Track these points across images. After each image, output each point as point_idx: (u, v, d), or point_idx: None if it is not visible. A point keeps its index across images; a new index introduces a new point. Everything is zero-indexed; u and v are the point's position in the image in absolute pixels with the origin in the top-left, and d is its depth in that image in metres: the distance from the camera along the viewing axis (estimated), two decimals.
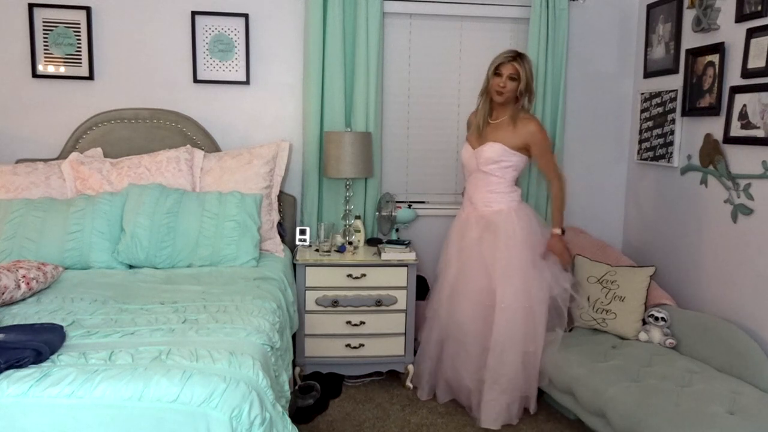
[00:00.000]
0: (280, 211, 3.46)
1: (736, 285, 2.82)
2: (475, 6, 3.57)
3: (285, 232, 3.42)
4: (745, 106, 2.72)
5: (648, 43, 3.55)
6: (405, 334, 3.24)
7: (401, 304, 3.21)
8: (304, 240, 3.41)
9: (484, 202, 2.96)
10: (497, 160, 2.88)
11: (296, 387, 3.08)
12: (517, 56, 2.84)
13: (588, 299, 3.16)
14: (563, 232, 2.97)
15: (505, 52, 2.88)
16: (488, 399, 2.83)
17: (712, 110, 2.95)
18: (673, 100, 3.27)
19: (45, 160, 3.25)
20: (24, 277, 2.33)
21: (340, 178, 3.37)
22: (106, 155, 3.28)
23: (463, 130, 3.33)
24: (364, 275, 3.18)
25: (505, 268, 2.83)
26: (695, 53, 3.09)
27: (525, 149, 2.91)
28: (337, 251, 3.26)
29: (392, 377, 3.36)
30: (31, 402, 1.60)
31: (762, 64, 2.61)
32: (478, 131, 2.96)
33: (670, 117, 3.30)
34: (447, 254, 3.08)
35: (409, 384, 3.24)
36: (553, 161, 2.98)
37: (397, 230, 3.49)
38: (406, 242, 3.31)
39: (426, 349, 3.13)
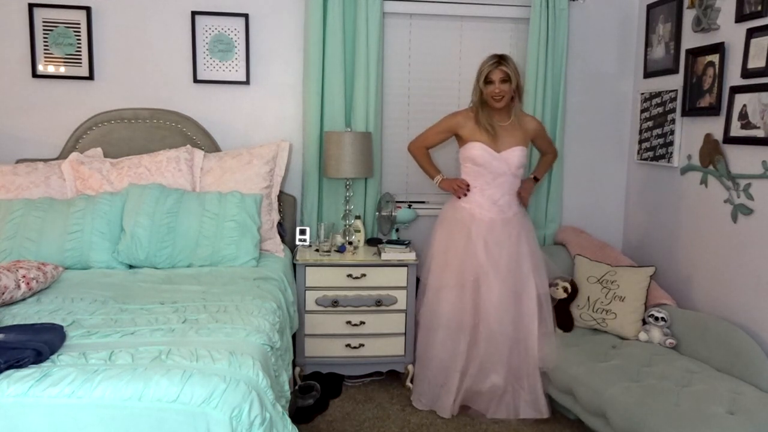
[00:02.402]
0: (280, 211, 3.46)
1: (736, 285, 2.82)
2: (475, 6, 3.57)
3: (285, 232, 3.42)
4: (745, 106, 2.72)
5: (648, 43, 3.55)
6: (405, 334, 3.24)
7: (401, 304, 3.22)
8: (304, 240, 3.41)
9: (510, 204, 3.04)
10: (524, 164, 3.06)
11: (296, 387, 3.08)
12: (501, 59, 2.91)
13: (588, 299, 3.16)
14: (536, 180, 3.28)
15: (487, 59, 2.94)
16: (537, 387, 2.92)
17: (712, 110, 2.95)
18: (673, 100, 3.27)
19: (45, 160, 3.25)
20: (24, 277, 2.33)
21: (340, 178, 3.38)
22: (106, 155, 3.28)
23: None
24: (364, 275, 3.18)
25: (532, 260, 3.00)
26: (695, 53, 3.09)
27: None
28: (337, 251, 3.26)
29: (392, 377, 3.36)
30: (31, 402, 1.60)
31: (762, 64, 2.61)
32: (489, 134, 2.96)
33: (670, 117, 3.30)
34: (475, 260, 2.93)
35: (409, 384, 3.23)
36: (551, 140, 3.40)
37: (397, 230, 3.49)
38: (406, 242, 3.31)
39: (449, 365, 2.96)
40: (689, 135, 3.18)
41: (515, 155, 2.98)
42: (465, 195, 3.03)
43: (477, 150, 2.96)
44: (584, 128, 3.76)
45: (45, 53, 3.34)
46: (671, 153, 3.29)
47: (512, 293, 2.95)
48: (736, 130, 2.78)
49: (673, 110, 3.27)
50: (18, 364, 1.68)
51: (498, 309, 2.91)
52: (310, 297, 3.17)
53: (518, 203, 3.10)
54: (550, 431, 2.86)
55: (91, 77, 3.38)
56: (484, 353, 2.92)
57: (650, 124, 3.49)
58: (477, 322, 2.94)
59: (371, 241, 3.48)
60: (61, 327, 1.93)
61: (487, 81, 2.91)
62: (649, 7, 3.52)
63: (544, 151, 3.29)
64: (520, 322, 2.95)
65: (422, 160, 3.20)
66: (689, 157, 3.17)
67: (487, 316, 2.92)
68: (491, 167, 2.97)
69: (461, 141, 3.06)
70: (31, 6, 3.29)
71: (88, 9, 3.33)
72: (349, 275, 3.17)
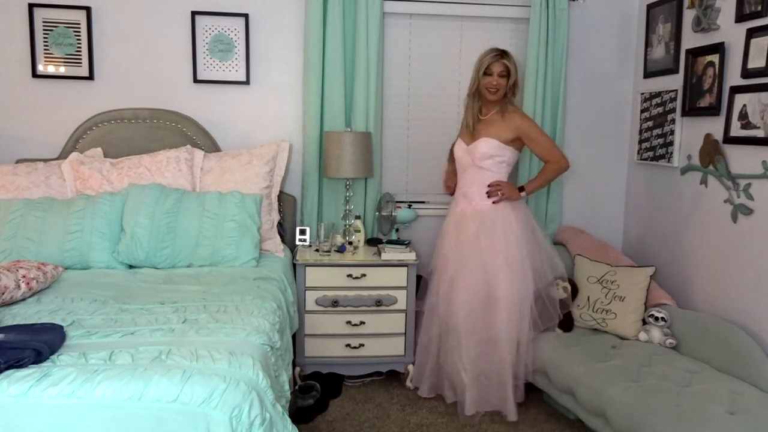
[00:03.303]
0: (280, 211, 3.46)
1: (736, 285, 2.82)
2: (475, 6, 3.57)
3: (285, 232, 3.42)
4: (745, 106, 2.72)
5: (648, 43, 3.55)
6: (405, 334, 3.24)
7: (401, 304, 3.22)
8: (304, 240, 3.41)
9: (481, 196, 2.99)
10: (492, 155, 2.96)
11: (296, 387, 3.08)
12: (503, 53, 2.93)
13: (588, 299, 3.16)
14: (522, 189, 3.01)
15: (489, 51, 2.94)
16: (507, 391, 2.91)
17: (712, 110, 2.95)
18: (673, 100, 3.27)
19: (45, 160, 3.25)
20: (24, 277, 2.33)
21: (340, 178, 3.38)
22: (106, 155, 3.28)
23: None
24: (364, 275, 3.18)
25: (505, 259, 2.90)
26: (695, 53, 3.09)
27: (516, 142, 3.01)
28: (337, 251, 3.26)
29: (392, 377, 3.36)
30: (31, 402, 1.60)
31: (762, 64, 2.61)
32: (469, 128, 3.03)
33: (670, 117, 3.30)
34: (443, 249, 3.09)
35: (409, 384, 3.23)
36: (553, 145, 3.02)
37: (397, 230, 3.49)
38: (406, 242, 3.31)
39: (427, 345, 3.12)
40: (689, 135, 3.18)
41: (479, 146, 2.96)
42: (450, 191, 3.22)
43: (455, 147, 3.11)
44: (584, 128, 3.76)
45: (45, 53, 3.34)
46: (671, 153, 3.29)
47: (473, 290, 2.89)
48: (736, 130, 2.78)
49: (673, 110, 3.27)
50: (18, 364, 1.68)
51: (450, 301, 2.95)
52: (310, 297, 3.17)
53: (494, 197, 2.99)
54: (550, 431, 2.86)
55: (91, 77, 3.38)
56: (451, 342, 2.98)
57: (650, 124, 3.49)
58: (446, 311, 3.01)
59: (371, 241, 3.48)
60: (61, 327, 1.93)
61: (487, 73, 2.92)
62: (649, 7, 3.52)
63: (542, 159, 3.04)
64: (487, 324, 2.89)
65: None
66: (689, 157, 3.17)
67: (440, 305, 3.00)
68: (460, 160, 3.08)
69: None
70: (31, 6, 3.29)
71: (88, 9, 3.33)
72: (349, 275, 3.17)
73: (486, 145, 2.95)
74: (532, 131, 2.97)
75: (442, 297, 3.01)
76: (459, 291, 2.93)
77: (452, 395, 3.04)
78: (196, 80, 3.44)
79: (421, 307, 3.21)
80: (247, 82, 3.48)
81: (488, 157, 2.96)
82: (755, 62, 2.66)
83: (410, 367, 3.25)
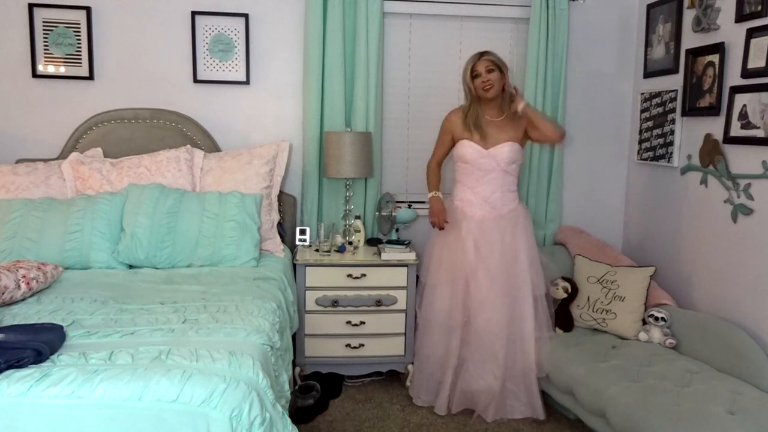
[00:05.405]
0: (280, 211, 3.46)
1: (736, 285, 2.82)
2: (475, 6, 3.57)
3: (285, 232, 3.42)
4: (745, 106, 2.72)
5: (648, 43, 3.55)
6: (405, 334, 3.24)
7: (401, 304, 3.22)
8: (304, 240, 3.41)
9: (504, 201, 3.01)
10: (516, 159, 3.00)
11: (296, 387, 3.08)
12: (483, 53, 2.94)
13: (588, 299, 3.16)
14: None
15: (471, 58, 2.95)
16: (533, 389, 2.94)
17: (712, 110, 2.95)
18: (673, 100, 3.27)
19: (45, 160, 3.26)
20: (24, 277, 2.33)
21: (340, 178, 3.38)
22: (106, 155, 3.28)
23: None
24: (364, 275, 3.18)
25: (531, 260, 2.96)
26: (695, 53, 3.09)
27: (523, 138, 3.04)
28: (337, 251, 3.26)
29: (392, 377, 3.36)
30: (31, 402, 1.60)
31: (762, 64, 2.61)
32: (480, 131, 2.97)
33: (670, 117, 3.30)
34: (465, 259, 2.95)
35: (409, 384, 3.23)
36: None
37: (397, 230, 3.49)
38: (406, 242, 3.31)
39: (444, 360, 3.00)
40: (689, 135, 3.18)
41: (503, 151, 2.95)
42: (441, 228, 3.03)
43: (465, 148, 3.00)
44: (584, 128, 3.76)
45: (45, 53, 3.34)
46: (671, 153, 3.29)
47: (504, 293, 2.92)
48: (736, 130, 2.78)
49: (673, 110, 3.28)
50: (18, 364, 1.68)
51: (486, 308, 2.91)
52: (310, 297, 3.17)
53: (516, 200, 3.05)
54: (550, 431, 2.86)
55: (91, 77, 3.38)
56: (475, 352, 2.93)
57: (650, 124, 3.49)
58: (468, 320, 2.96)
59: (371, 241, 3.48)
60: (61, 327, 1.93)
61: (474, 75, 2.92)
62: (649, 7, 3.52)
63: (543, 134, 2.97)
64: (514, 323, 2.93)
65: (430, 176, 3.17)
66: (689, 157, 3.17)
67: (476, 315, 2.93)
68: (479, 164, 2.98)
69: (454, 140, 3.08)
70: (31, 6, 3.29)
71: (88, 9, 3.33)
72: (349, 275, 3.17)
73: (511, 149, 2.96)
74: (534, 112, 2.97)
75: (478, 310, 2.91)
76: (495, 298, 2.91)
77: (459, 406, 2.98)
78: (196, 80, 3.45)
79: (430, 319, 3.08)
80: (247, 82, 3.48)
81: (513, 162, 3.00)
82: (755, 62, 2.66)
83: (410, 367, 3.25)
